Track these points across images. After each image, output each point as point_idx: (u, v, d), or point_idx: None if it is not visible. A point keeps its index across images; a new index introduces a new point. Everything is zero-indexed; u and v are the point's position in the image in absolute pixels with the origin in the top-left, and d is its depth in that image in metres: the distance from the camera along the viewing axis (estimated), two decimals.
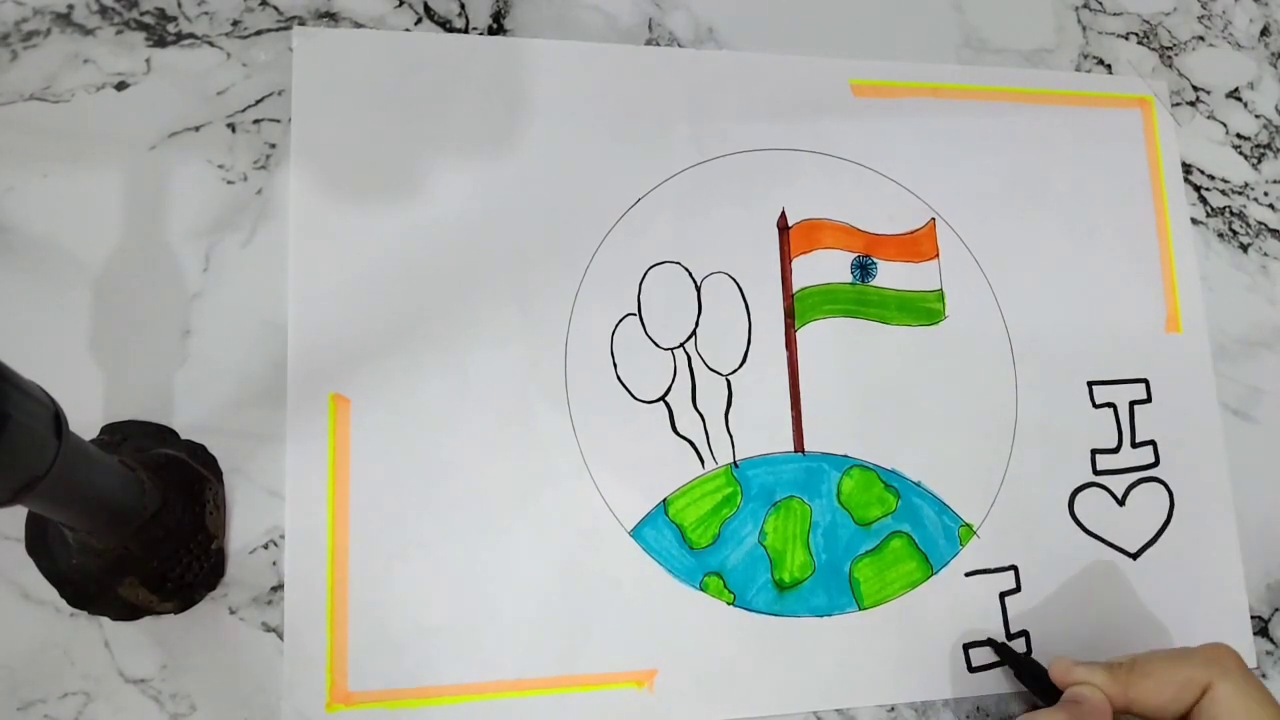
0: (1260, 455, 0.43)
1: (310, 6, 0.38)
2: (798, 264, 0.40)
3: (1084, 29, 0.46)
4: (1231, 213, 0.45)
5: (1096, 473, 0.41)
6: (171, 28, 0.37)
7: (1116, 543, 0.40)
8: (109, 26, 0.36)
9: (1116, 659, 0.34)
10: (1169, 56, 0.47)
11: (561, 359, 0.37)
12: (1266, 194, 0.46)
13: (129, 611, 0.32)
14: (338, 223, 0.36)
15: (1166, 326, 0.43)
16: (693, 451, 0.37)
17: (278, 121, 0.37)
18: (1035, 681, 0.36)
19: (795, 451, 0.38)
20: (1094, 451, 0.41)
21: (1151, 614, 0.40)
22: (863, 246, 0.40)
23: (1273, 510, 0.42)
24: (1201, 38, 0.47)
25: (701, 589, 0.36)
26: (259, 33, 0.37)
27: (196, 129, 0.36)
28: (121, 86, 0.36)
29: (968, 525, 0.39)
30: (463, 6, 0.39)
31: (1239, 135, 0.47)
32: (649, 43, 0.41)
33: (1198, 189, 0.45)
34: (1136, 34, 0.46)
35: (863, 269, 0.40)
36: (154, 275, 0.35)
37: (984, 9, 0.44)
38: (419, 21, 0.39)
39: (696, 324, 0.38)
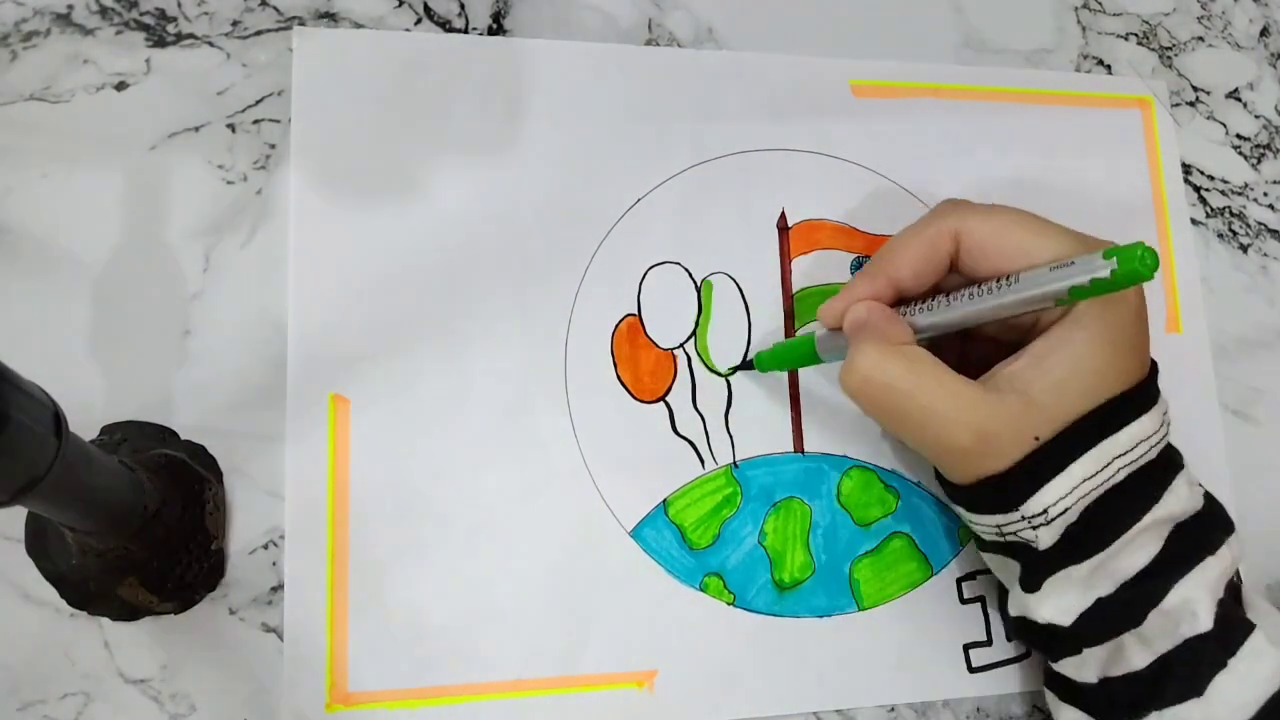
0: (1260, 455, 0.43)
1: (310, 6, 0.38)
2: (798, 264, 0.40)
3: (1084, 29, 0.46)
4: (1231, 213, 0.45)
5: None
6: (171, 28, 0.37)
7: None
8: (109, 27, 0.36)
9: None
10: (1169, 57, 0.47)
11: (561, 359, 0.37)
12: (1266, 194, 0.46)
13: (129, 612, 0.32)
14: (338, 223, 0.36)
15: (1166, 327, 0.43)
16: (693, 452, 0.37)
17: (278, 122, 0.37)
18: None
19: (795, 452, 0.38)
20: None
21: None
22: (863, 247, 0.40)
23: (1273, 510, 0.42)
24: (1201, 38, 0.47)
25: (701, 589, 0.36)
26: (259, 33, 0.37)
27: (196, 129, 0.36)
28: (121, 86, 0.36)
29: None
30: (463, 6, 0.39)
31: (1239, 136, 0.47)
32: (649, 43, 0.41)
33: (1197, 189, 0.45)
34: (1136, 34, 0.46)
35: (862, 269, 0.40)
36: (154, 275, 0.35)
37: (984, 9, 0.44)
38: (419, 21, 0.39)
39: (696, 324, 0.38)
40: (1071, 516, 0.30)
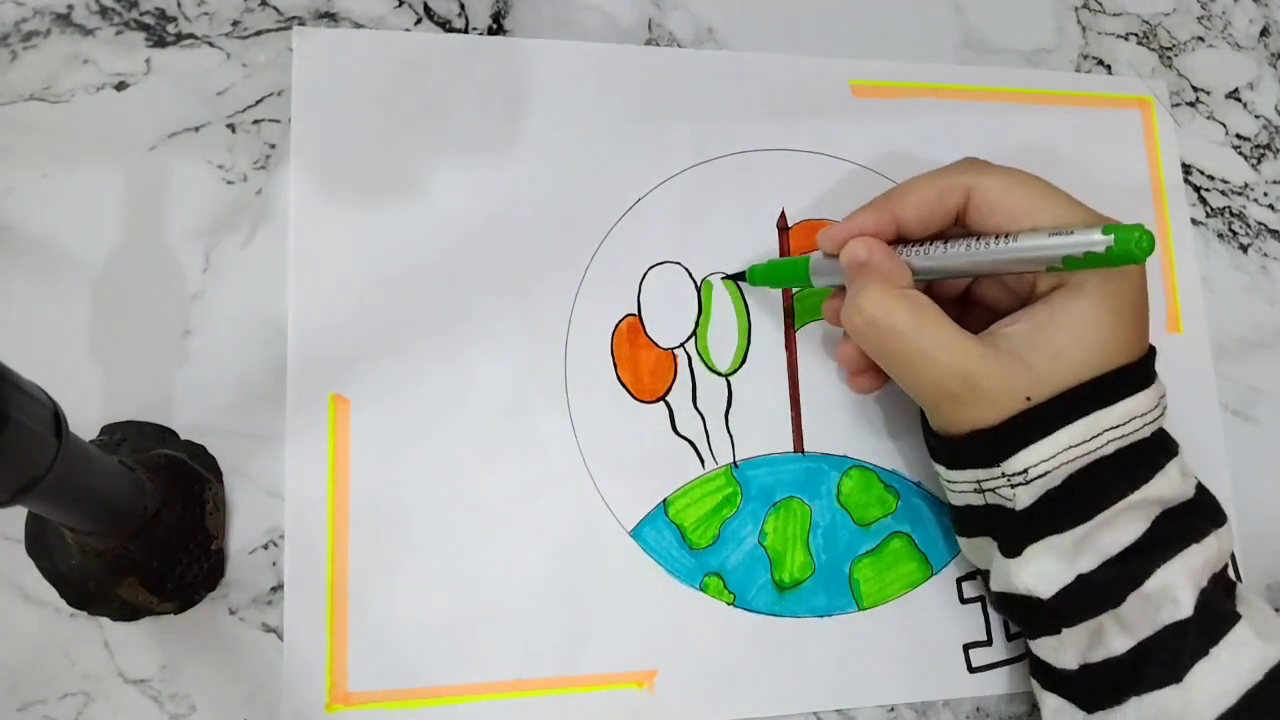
0: (1260, 455, 0.43)
1: (310, 6, 0.38)
2: None
3: (1084, 29, 0.46)
4: (1231, 213, 0.45)
5: None
6: (171, 28, 0.37)
7: None
8: (109, 27, 0.36)
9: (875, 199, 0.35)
10: (1169, 57, 0.47)
11: (561, 359, 0.37)
12: (1266, 194, 0.46)
13: (129, 612, 0.32)
14: (338, 223, 0.36)
15: (1167, 327, 0.43)
16: (693, 452, 0.37)
17: (278, 122, 0.37)
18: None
19: (795, 452, 0.38)
20: None
21: None
22: None
23: (1273, 510, 0.42)
24: (1201, 38, 0.47)
25: (701, 589, 0.36)
26: (259, 33, 0.37)
27: (196, 129, 0.36)
28: (121, 86, 0.36)
29: None
30: (463, 6, 0.39)
31: (1239, 136, 0.47)
32: (649, 43, 0.41)
33: (1197, 189, 0.45)
34: (1136, 34, 0.46)
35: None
36: (154, 275, 0.35)
37: (984, 9, 0.44)
38: (419, 21, 0.39)
39: (696, 324, 0.38)
40: (1053, 481, 0.31)
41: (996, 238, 0.31)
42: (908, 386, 0.33)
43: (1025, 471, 0.30)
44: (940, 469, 0.34)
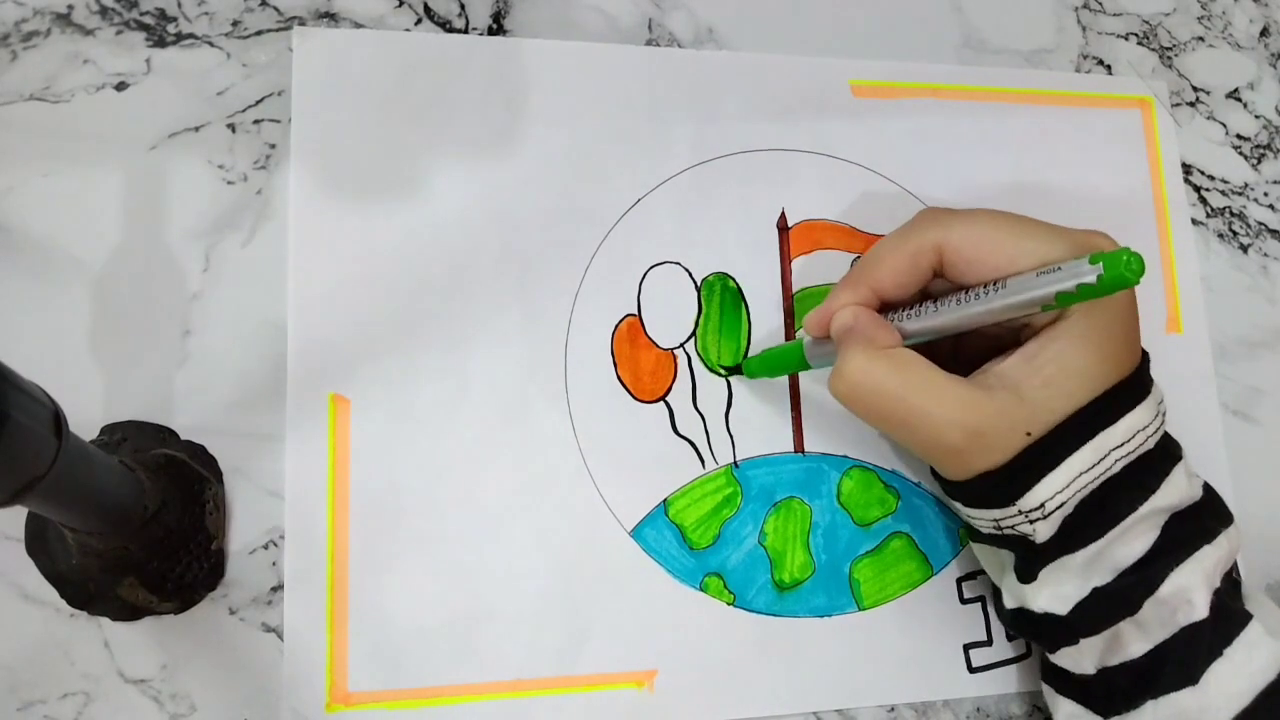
0: (1260, 455, 0.43)
1: (310, 6, 0.38)
2: (797, 264, 0.40)
3: (1084, 29, 0.46)
4: (1231, 213, 0.45)
5: None
6: (171, 28, 0.37)
7: None
8: (109, 27, 0.36)
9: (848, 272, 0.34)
10: (1169, 57, 0.47)
11: (561, 359, 0.37)
12: (1266, 194, 0.46)
13: (129, 611, 0.32)
14: (338, 223, 0.36)
15: (1167, 327, 0.43)
16: (693, 452, 0.37)
17: (278, 122, 0.37)
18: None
19: (795, 452, 0.38)
20: None
21: None
22: (862, 247, 0.40)
23: (1273, 510, 0.42)
24: (1201, 38, 0.47)
25: (701, 589, 0.36)
26: (259, 33, 0.37)
27: (196, 129, 0.36)
28: (121, 86, 0.36)
29: None
30: (463, 6, 0.39)
31: (1239, 136, 0.47)
32: (649, 43, 0.41)
33: (1198, 189, 0.45)
34: (1136, 34, 0.46)
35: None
36: (154, 275, 0.35)
37: (984, 9, 0.44)
38: (419, 21, 0.39)
39: (696, 324, 0.38)
40: (1069, 509, 0.30)
41: (985, 288, 0.30)
42: (908, 446, 0.32)
43: (1042, 506, 0.30)
44: (958, 508, 0.34)
